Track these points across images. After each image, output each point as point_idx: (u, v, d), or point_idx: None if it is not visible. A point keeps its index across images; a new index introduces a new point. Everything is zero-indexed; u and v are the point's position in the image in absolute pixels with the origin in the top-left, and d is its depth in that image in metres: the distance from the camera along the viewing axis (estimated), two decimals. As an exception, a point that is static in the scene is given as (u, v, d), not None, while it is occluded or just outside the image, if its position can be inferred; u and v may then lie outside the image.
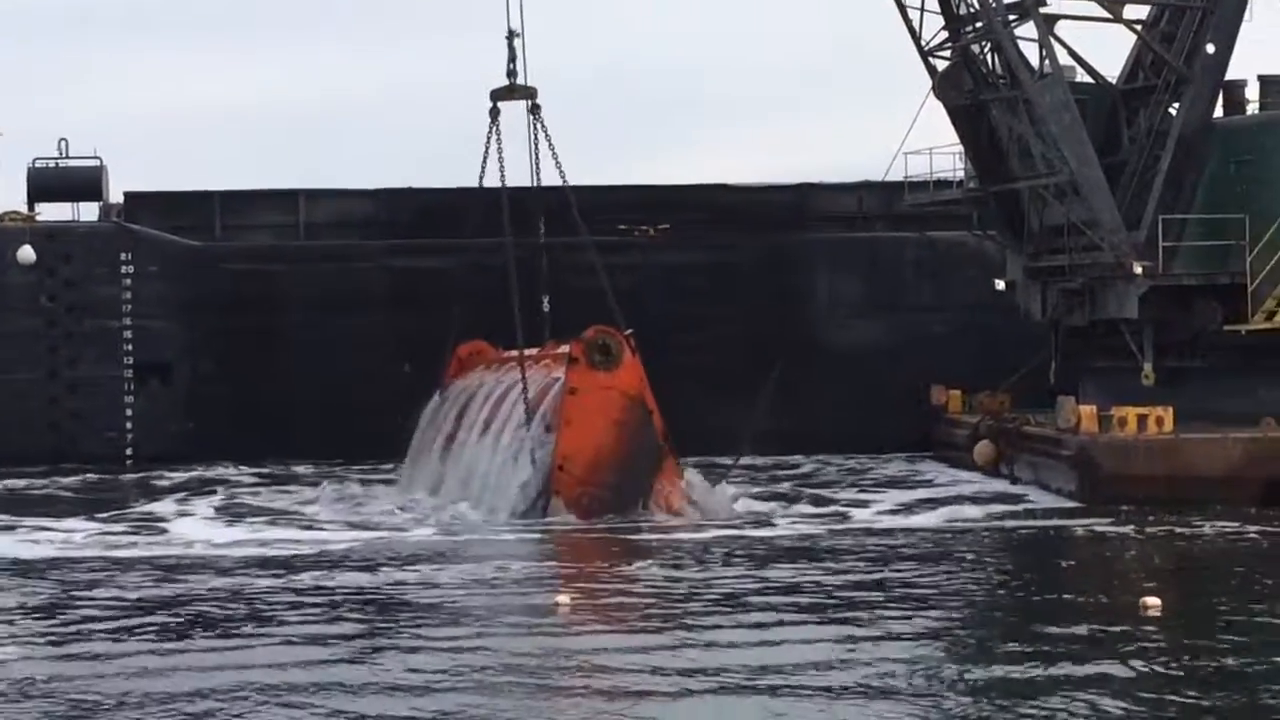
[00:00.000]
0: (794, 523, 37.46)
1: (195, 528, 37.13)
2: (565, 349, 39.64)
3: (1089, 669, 22.35)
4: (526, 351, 40.54)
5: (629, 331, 39.44)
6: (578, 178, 41.00)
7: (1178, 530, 35.02)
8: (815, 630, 25.15)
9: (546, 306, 41.92)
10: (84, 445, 50.16)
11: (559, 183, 40.18)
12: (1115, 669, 22.39)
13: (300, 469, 48.01)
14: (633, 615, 26.94)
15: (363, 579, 29.98)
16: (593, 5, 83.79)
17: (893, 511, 38.98)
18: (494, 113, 41.21)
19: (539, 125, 40.90)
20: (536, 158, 40.63)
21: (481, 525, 37.78)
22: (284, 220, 53.39)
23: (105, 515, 39.03)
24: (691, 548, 33.80)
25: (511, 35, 40.81)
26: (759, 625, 25.46)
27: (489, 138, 40.86)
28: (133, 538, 35.88)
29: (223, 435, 49.99)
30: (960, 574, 30.66)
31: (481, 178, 40.59)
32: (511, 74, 41.24)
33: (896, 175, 48.33)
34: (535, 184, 40.55)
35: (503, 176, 40.24)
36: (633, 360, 39.35)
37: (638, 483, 38.74)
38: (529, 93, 41.06)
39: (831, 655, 23.10)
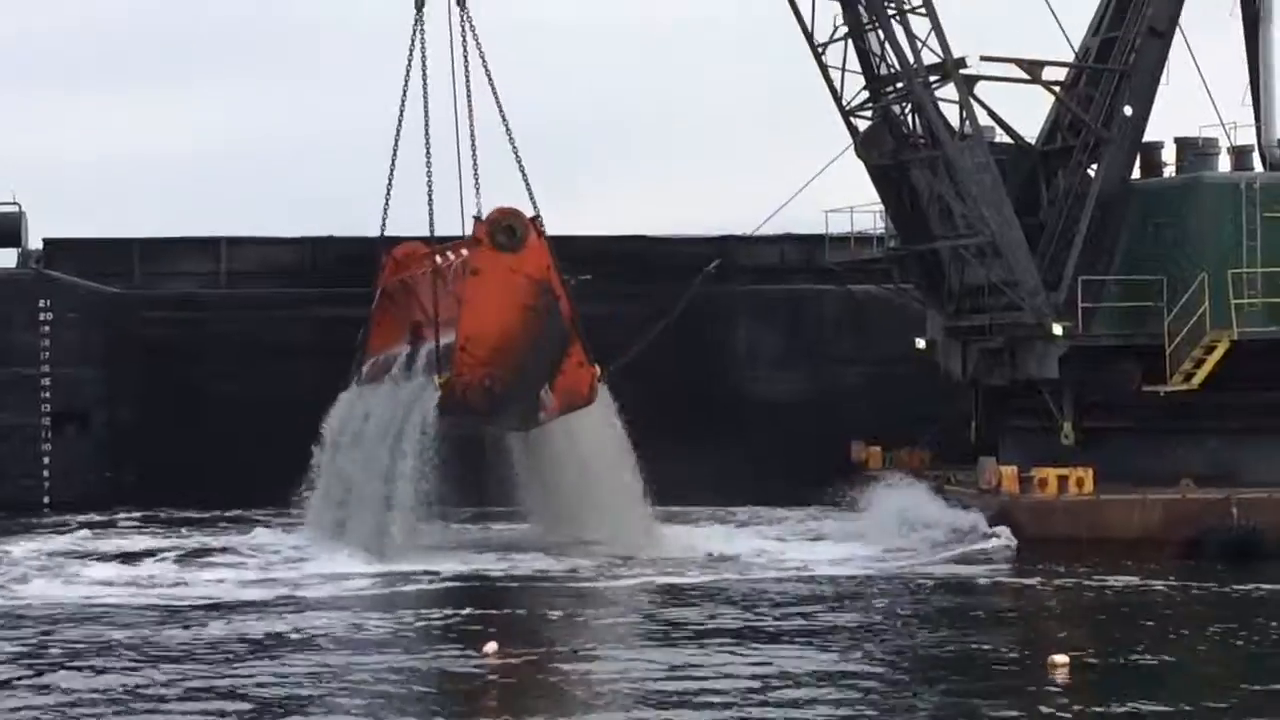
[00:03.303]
0: (710, 570, 37.41)
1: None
2: None
3: None
4: (447, 242, 39.90)
5: (535, 215, 38.80)
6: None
7: (1089, 584, 35.13)
8: (731, 672, 25.62)
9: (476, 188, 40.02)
10: (1, 491, 49.10)
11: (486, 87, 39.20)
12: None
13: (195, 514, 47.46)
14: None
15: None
16: (514, 49, 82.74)
17: (810, 560, 38.66)
18: (419, 5, 40.28)
19: (465, 20, 39.82)
20: (465, 55, 39.67)
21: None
22: (206, 268, 52.70)
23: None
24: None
25: None
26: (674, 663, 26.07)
27: (413, 35, 40.01)
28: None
29: (141, 483, 49.28)
30: (875, 624, 30.85)
31: (406, 78, 39.86)
32: None
33: (818, 229, 48.70)
34: (464, 82, 39.27)
35: (424, 73, 39.44)
36: (539, 243, 38.72)
37: (543, 369, 38.40)
38: None
39: (742, 698, 23.62)
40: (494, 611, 32.42)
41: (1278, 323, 40.76)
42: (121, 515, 47.34)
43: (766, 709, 23.50)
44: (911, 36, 41.64)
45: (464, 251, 40.23)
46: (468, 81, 39.40)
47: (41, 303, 49.63)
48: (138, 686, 25.02)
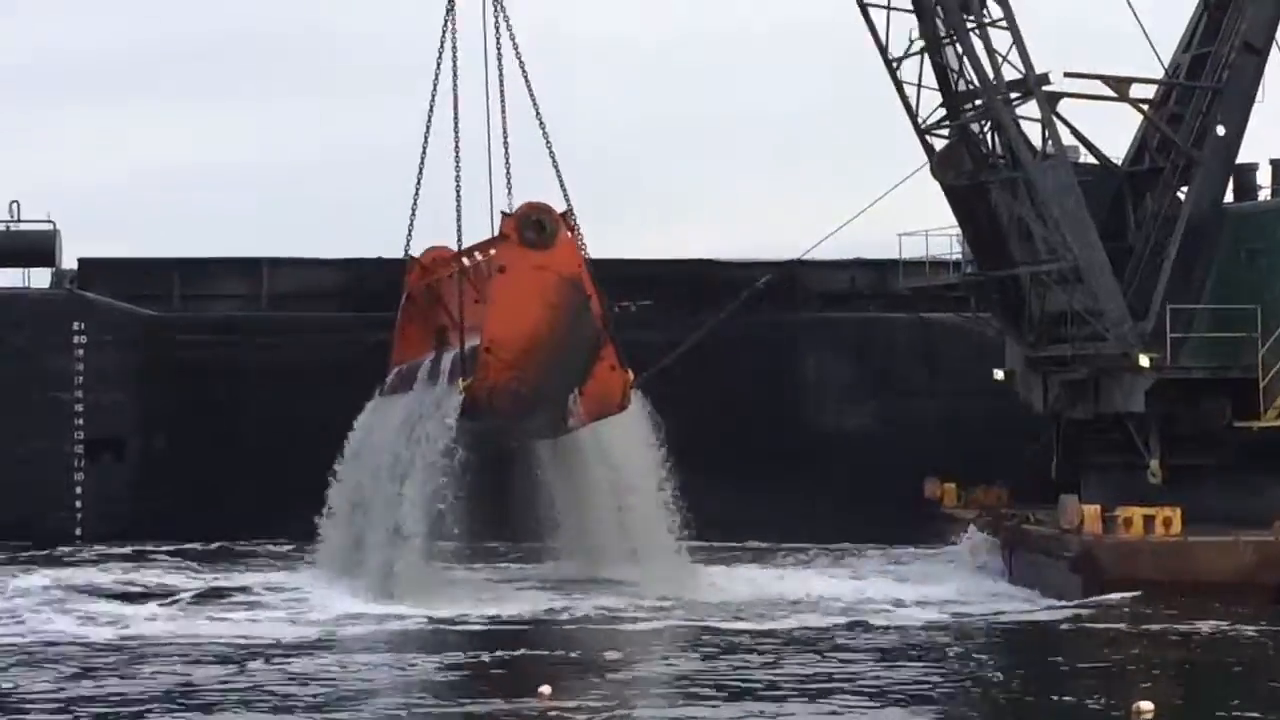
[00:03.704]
0: (777, 613, 37.59)
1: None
2: None
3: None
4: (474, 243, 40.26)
5: (566, 210, 39.07)
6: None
7: (1176, 629, 35.39)
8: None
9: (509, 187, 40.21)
10: (33, 523, 49.91)
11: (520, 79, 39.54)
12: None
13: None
14: None
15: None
16: (570, 61, 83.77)
17: (883, 606, 38.98)
18: (450, 3, 40.90)
19: (500, 11, 40.24)
20: (499, 48, 40.02)
21: None
22: (246, 290, 53.56)
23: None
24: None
25: None
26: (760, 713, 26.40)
27: (444, 26, 40.53)
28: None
29: (177, 514, 49.82)
30: (954, 672, 31.27)
31: (436, 76, 40.35)
32: None
33: (890, 253, 49.23)
34: (498, 80, 39.74)
35: (455, 67, 39.90)
36: (569, 240, 38.82)
37: (573, 372, 38.48)
38: None
39: None
40: (545, 653, 32.83)
41: (1379, 354, 40.97)
42: (155, 548, 48.04)
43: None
44: (991, 51, 41.87)
45: (492, 251, 40.44)
46: (500, 74, 39.89)
47: (75, 325, 50.45)
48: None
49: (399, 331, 44.82)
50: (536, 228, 38.51)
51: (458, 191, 39.55)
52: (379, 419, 42.98)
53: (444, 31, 41.05)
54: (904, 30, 42.62)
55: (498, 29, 40.24)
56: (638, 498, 40.86)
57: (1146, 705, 26.61)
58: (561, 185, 39.60)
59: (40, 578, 41.89)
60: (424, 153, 41.42)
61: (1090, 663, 32.33)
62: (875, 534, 48.94)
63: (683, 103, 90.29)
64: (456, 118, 39.97)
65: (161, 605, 38.34)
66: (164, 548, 48.02)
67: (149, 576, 43.14)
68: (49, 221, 53.10)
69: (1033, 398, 45.62)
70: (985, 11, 41.92)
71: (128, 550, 47.71)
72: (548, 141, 39.81)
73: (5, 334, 50.52)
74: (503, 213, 39.29)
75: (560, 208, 39.43)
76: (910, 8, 42.33)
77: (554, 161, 39.68)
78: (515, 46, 40.16)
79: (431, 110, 40.90)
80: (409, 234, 42.99)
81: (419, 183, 41.93)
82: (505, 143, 39.66)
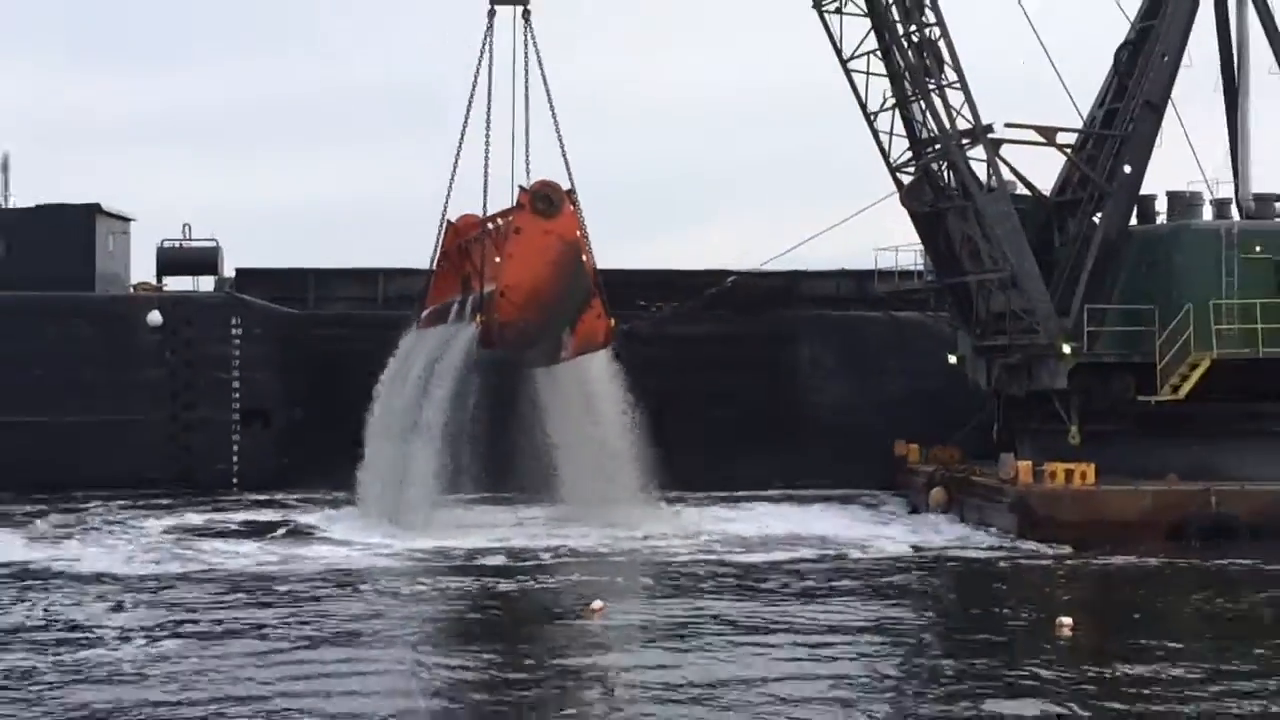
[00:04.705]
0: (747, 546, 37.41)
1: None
2: None
3: (1008, 674, 23.36)
4: (496, 211, 40.42)
5: (570, 189, 39.33)
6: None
7: (1093, 561, 35.43)
8: (778, 647, 25.69)
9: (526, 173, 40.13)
10: (200, 475, 49.82)
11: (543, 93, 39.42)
12: (1031, 673, 23.33)
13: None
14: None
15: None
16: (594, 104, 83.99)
17: (860, 542, 38.62)
18: (491, 14, 40.51)
19: (529, 32, 40.03)
20: (526, 62, 39.94)
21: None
22: (365, 294, 53.18)
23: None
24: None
25: None
26: (724, 644, 25.87)
27: (484, 38, 40.11)
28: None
29: (309, 469, 48.98)
30: (917, 593, 31.40)
31: (476, 75, 40.02)
32: None
33: (869, 265, 49.21)
34: (523, 88, 39.75)
35: (489, 73, 39.74)
36: (571, 212, 39.22)
37: (565, 316, 38.99)
38: None
39: (790, 668, 24.06)
40: (593, 579, 32.64)
41: (1251, 345, 40.60)
42: (288, 495, 47.64)
43: (828, 649, 24.91)
44: (948, 106, 41.81)
45: (510, 218, 40.51)
46: (526, 75, 39.93)
47: (234, 320, 50.42)
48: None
49: (434, 280, 44.48)
50: (545, 200, 38.88)
51: (485, 172, 40.10)
52: (414, 348, 42.46)
53: (481, 55, 40.75)
54: (879, 90, 42.72)
55: (525, 36, 40.26)
56: (613, 441, 40.26)
57: (1067, 620, 26.72)
58: (567, 170, 39.91)
59: (175, 518, 42.07)
60: (461, 141, 40.98)
61: (1024, 588, 32.38)
62: (854, 483, 48.88)
63: (698, 149, 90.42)
64: (489, 119, 40.19)
65: (259, 543, 37.95)
66: (294, 496, 47.66)
67: (267, 517, 43.10)
68: (213, 239, 53.35)
69: (979, 378, 45.45)
70: (943, 76, 41.85)
71: (264, 497, 47.45)
72: (558, 130, 39.77)
73: (178, 328, 50.26)
74: (520, 188, 39.67)
75: (566, 187, 39.64)
76: (885, 73, 42.33)
77: (562, 150, 39.77)
78: (537, 49, 40.20)
79: (472, 93, 40.53)
80: (445, 202, 42.56)
81: (455, 163, 41.18)
82: (526, 134, 39.97)
